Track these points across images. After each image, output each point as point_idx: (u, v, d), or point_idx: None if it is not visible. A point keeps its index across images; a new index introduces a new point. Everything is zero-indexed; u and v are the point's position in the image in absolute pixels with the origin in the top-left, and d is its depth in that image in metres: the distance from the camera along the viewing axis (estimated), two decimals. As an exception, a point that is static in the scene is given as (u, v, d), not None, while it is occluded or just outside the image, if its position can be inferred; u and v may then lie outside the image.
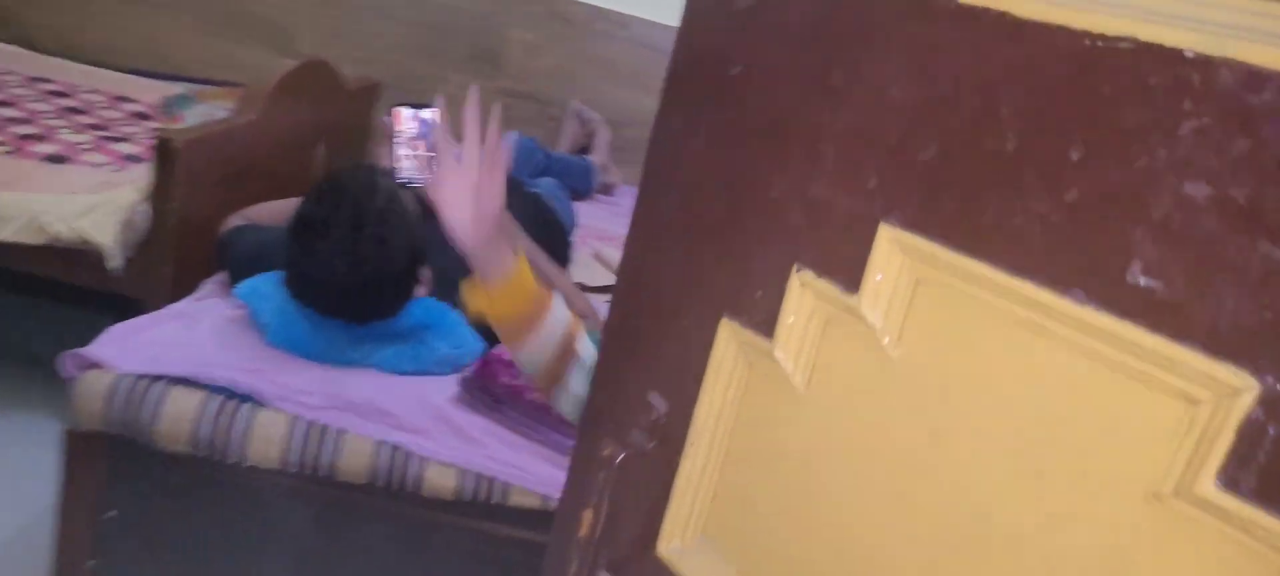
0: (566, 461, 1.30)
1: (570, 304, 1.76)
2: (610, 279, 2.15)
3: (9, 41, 2.83)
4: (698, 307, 0.50)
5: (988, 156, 0.39)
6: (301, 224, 1.25)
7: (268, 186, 2.24)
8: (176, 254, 1.89)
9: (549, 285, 1.73)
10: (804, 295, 0.45)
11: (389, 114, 1.65)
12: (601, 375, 0.60)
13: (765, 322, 0.47)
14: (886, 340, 0.42)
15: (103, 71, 2.78)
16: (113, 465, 1.24)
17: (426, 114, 1.68)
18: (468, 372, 1.31)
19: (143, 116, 2.50)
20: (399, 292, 1.30)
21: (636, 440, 0.54)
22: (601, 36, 3.03)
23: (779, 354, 0.46)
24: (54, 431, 2.07)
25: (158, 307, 1.90)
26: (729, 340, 0.48)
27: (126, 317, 1.78)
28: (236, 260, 1.53)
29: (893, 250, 0.42)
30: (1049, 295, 0.37)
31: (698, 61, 0.54)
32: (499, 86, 3.05)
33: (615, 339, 0.59)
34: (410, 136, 1.68)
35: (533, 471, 1.25)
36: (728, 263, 0.49)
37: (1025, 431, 0.39)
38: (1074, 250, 0.36)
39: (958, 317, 0.40)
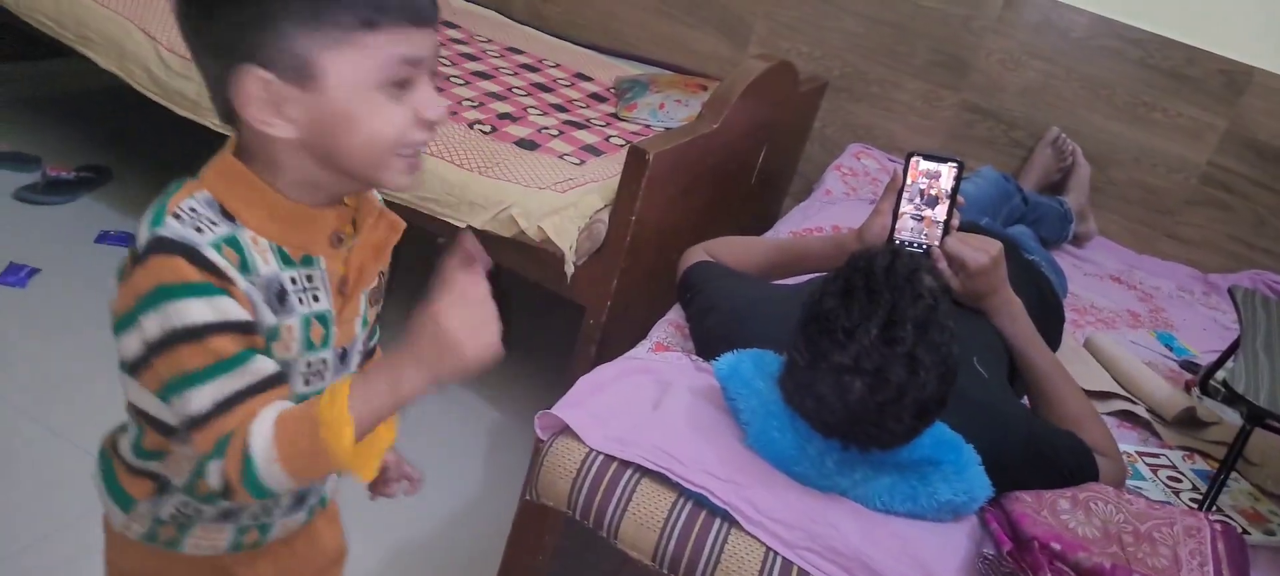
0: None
1: (1079, 425, 1.39)
2: (1106, 381, 1.71)
3: (490, 6, 2.97)
4: None
5: None
6: (817, 322, 1.01)
7: (712, 193, 2.09)
8: (625, 265, 1.79)
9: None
10: None
11: (907, 161, 1.38)
12: None
13: None
14: None
15: (565, 44, 2.82)
16: (563, 543, 1.12)
17: (946, 170, 1.38)
18: (991, 551, 1.00)
19: (598, 99, 2.47)
20: (919, 424, 1.02)
21: None
22: (1103, 54, 2.51)
23: None
24: (487, 415, 2.09)
25: (598, 315, 1.83)
26: None
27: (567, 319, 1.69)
28: (705, 313, 1.35)
29: None
30: None
31: None
32: (961, 99, 2.66)
33: None
34: (923, 193, 1.39)
35: None
36: None
37: None
38: None
39: None
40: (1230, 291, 1.69)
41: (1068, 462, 1.23)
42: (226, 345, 0.68)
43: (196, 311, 0.67)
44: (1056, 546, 0.93)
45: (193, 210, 0.70)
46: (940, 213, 1.38)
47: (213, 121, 1.99)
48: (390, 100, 0.70)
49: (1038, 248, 1.97)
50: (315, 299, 0.77)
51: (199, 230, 0.69)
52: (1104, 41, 2.51)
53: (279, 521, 0.89)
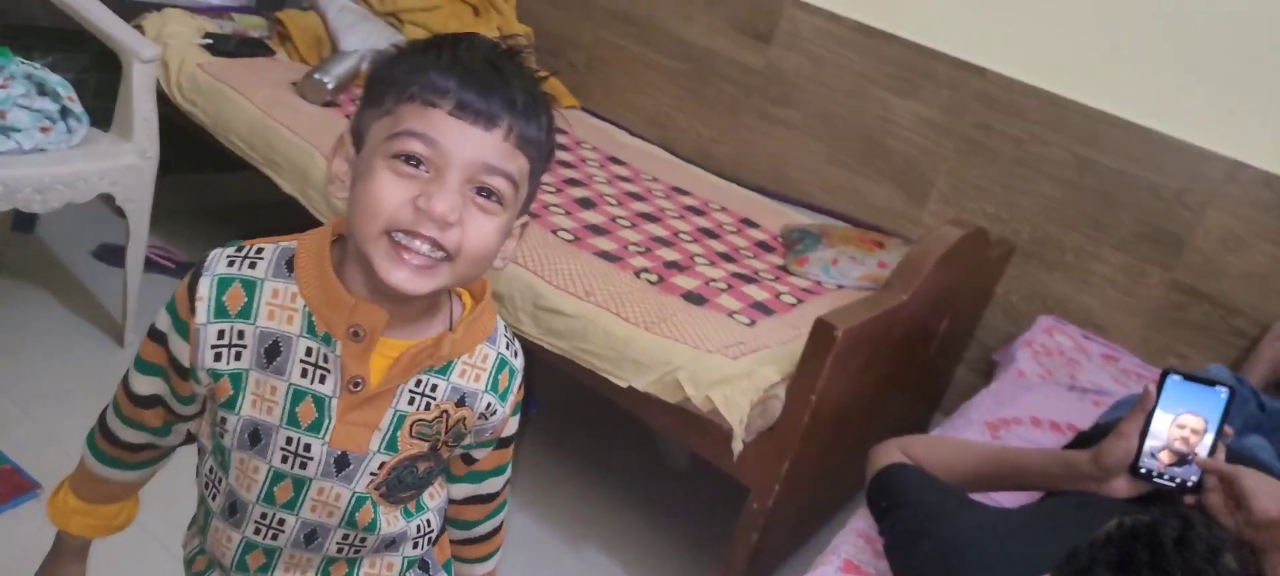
0: None
1: None
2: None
3: (657, 143, 2.92)
4: None
5: None
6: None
7: (892, 365, 1.89)
8: (799, 447, 1.61)
9: None
10: None
11: (1161, 378, 1.17)
12: None
13: None
14: None
15: (732, 187, 2.72)
16: None
17: (1214, 396, 1.16)
18: None
19: (765, 248, 2.34)
20: None
21: None
22: (1347, 242, 2.21)
23: None
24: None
25: (765, 498, 1.64)
26: None
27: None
28: (911, 536, 1.15)
29: None
30: None
31: None
32: (1171, 278, 2.39)
33: None
34: (1179, 417, 1.17)
35: None
36: None
37: None
38: None
39: None
40: None
41: None
42: (156, 353, 0.81)
43: (163, 320, 0.81)
44: None
45: (258, 250, 0.79)
46: (1200, 443, 1.15)
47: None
48: (395, 174, 0.71)
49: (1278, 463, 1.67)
50: (321, 380, 0.78)
51: (231, 264, 0.78)
52: (1349, 226, 2.21)
53: None
